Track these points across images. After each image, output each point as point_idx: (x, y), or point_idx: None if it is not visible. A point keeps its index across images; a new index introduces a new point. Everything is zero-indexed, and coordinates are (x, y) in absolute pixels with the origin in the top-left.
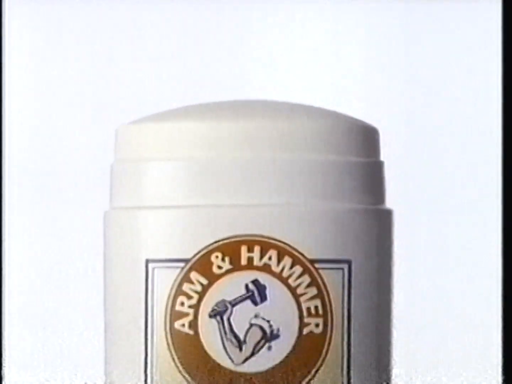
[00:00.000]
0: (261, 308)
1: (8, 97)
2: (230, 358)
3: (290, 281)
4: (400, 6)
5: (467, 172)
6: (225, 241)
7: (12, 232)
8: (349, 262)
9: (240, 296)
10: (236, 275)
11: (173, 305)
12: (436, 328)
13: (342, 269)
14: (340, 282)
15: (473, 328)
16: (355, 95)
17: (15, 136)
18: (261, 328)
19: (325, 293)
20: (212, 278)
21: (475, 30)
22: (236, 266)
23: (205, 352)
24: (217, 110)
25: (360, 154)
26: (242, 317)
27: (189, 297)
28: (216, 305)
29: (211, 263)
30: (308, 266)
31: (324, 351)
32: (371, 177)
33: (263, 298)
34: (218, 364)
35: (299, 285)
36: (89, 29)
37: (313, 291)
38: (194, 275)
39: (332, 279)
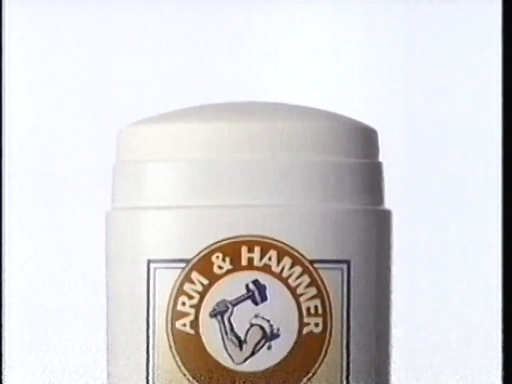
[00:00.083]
0: (261, 308)
1: (9, 98)
2: (230, 357)
3: (290, 281)
4: (400, 6)
5: (466, 173)
6: (226, 242)
7: (14, 232)
8: (348, 262)
9: (241, 296)
10: (237, 275)
11: (174, 305)
12: (436, 328)
13: (341, 269)
14: (339, 282)
15: (473, 328)
16: (354, 96)
17: (17, 137)
18: (262, 327)
19: (324, 293)
20: (213, 278)
21: (475, 30)
22: (236, 266)
23: (206, 351)
24: (217, 111)
25: (359, 155)
26: (242, 316)
27: (190, 297)
28: (217, 305)
29: (212, 264)
30: (308, 266)
31: (323, 350)
32: (370, 178)
33: (263, 298)
34: (219, 363)
35: (299, 285)
36: (89, 30)
37: (313, 291)
38: (195, 275)
39: (331, 279)
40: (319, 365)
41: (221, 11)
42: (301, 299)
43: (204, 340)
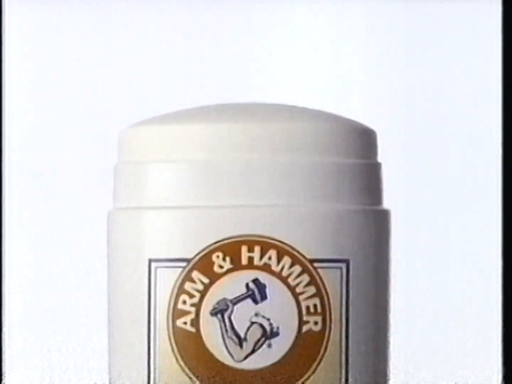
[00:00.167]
0: (261, 307)
1: (10, 98)
2: (231, 355)
3: (290, 280)
4: (400, 6)
5: (465, 173)
6: (226, 241)
7: (15, 232)
8: (347, 262)
9: (241, 295)
10: (237, 274)
11: (175, 304)
12: (435, 328)
13: (341, 268)
14: (338, 281)
15: (473, 328)
16: (354, 96)
17: (18, 138)
18: (261, 326)
19: (323, 291)
20: (214, 277)
21: (475, 30)
22: (236, 266)
23: (207, 349)
24: (217, 112)
25: (358, 155)
26: (242, 315)
27: (191, 296)
28: (217, 303)
29: (212, 263)
30: (307, 266)
31: (323, 348)
32: (369, 178)
33: (263, 296)
34: (219, 361)
35: (298, 284)
36: (90, 31)
37: (312, 290)
38: (195, 274)
39: (330, 278)
40: (319, 363)
41: (221, 11)
42: (301, 297)
43: (204, 338)
